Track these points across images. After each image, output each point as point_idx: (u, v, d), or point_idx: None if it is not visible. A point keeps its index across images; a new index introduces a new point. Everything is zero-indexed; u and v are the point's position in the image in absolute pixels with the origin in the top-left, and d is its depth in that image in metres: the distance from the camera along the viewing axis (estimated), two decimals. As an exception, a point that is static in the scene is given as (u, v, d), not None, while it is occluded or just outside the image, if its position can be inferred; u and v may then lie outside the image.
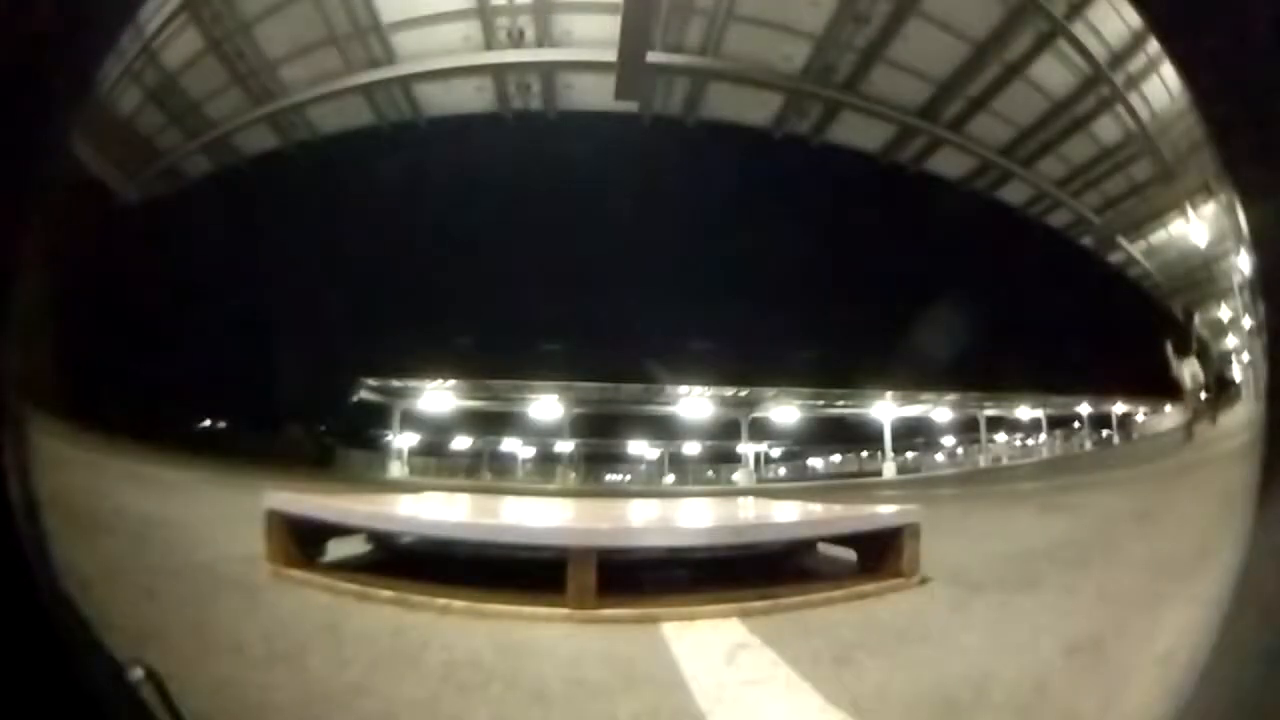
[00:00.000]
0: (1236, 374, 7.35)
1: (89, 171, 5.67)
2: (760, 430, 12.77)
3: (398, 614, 1.81)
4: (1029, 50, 6.45)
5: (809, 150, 7.57)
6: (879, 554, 2.29)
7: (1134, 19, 4.43)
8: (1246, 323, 6.11)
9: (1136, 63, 5.99)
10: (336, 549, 2.40)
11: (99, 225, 5.01)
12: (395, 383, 10.74)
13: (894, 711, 1.28)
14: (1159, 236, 7.56)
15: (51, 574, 0.74)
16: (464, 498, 4.73)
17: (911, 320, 7.93)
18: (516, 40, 6.77)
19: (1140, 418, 11.68)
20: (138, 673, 0.80)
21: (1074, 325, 8.46)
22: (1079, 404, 11.84)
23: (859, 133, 7.52)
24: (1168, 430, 10.29)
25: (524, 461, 13.02)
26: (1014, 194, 7.77)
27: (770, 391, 11.89)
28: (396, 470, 10.83)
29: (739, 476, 12.64)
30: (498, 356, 9.61)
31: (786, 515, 2.83)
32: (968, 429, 12.75)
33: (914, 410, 12.49)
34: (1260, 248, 0.83)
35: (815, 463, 14.82)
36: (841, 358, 10.16)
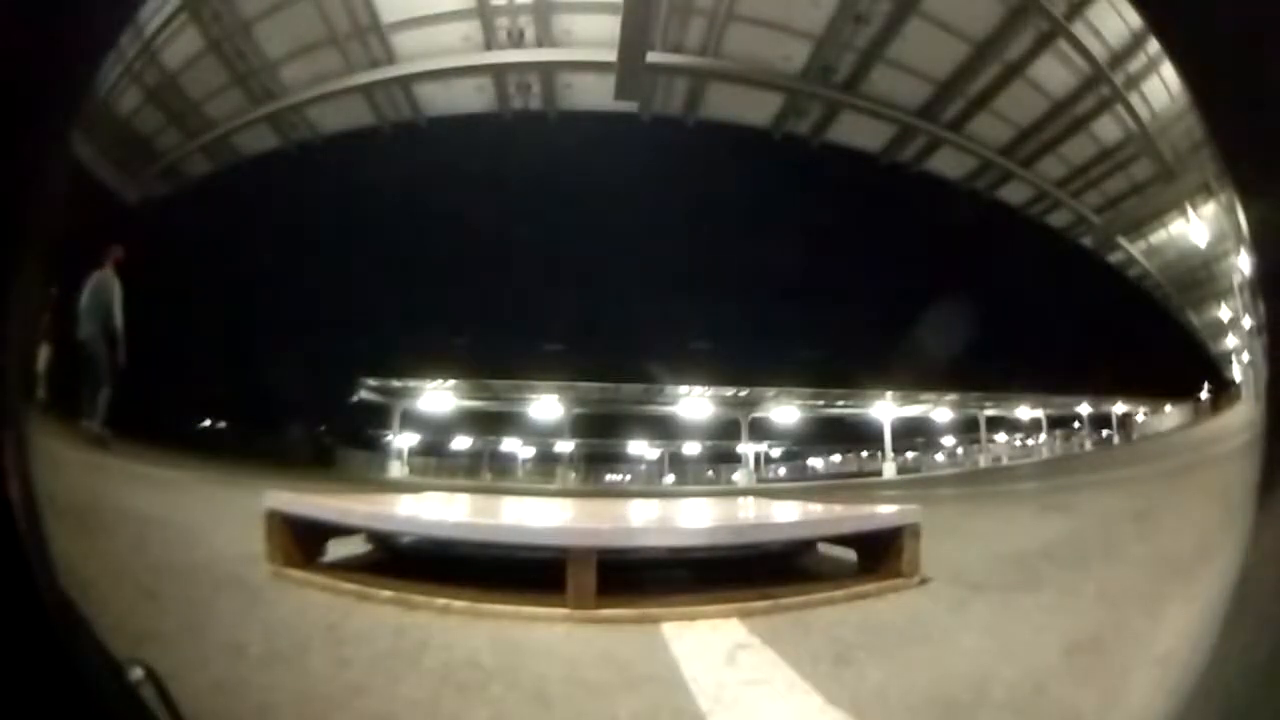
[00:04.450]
0: (1236, 374, 7.36)
1: (89, 171, 5.68)
2: (760, 430, 12.79)
3: (398, 614, 1.81)
4: (1029, 50, 6.44)
5: (809, 150, 7.57)
6: (879, 554, 2.29)
7: (1134, 19, 4.44)
8: (1246, 323, 6.11)
9: (1136, 63, 5.99)
10: (336, 549, 2.40)
11: (99, 225, 5.01)
12: (395, 383, 10.76)
13: (894, 711, 1.28)
14: (1159, 236, 7.56)
15: (51, 574, 0.74)
16: (464, 498, 4.73)
17: (912, 320, 7.94)
18: (516, 40, 6.77)
19: (1140, 418, 11.69)
20: (138, 673, 0.80)
21: (1074, 325, 8.47)
22: (1079, 404, 11.85)
23: (859, 133, 7.52)
24: (1168, 430, 10.29)
25: (524, 461, 13.04)
26: (1014, 194, 7.77)
27: (770, 391, 11.90)
28: (396, 470, 10.84)
29: (739, 476, 12.65)
30: (498, 356, 9.62)
31: (786, 515, 2.83)
32: (968, 429, 12.76)
33: (914, 410, 12.50)
34: (1260, 248, 0.83)
35: (815, 463, 14.84)
36: (842, 358, 10.17)
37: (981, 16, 6.34)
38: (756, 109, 7.50)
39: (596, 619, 1.79)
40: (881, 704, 1.30)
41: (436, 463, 12.02)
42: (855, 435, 13.26)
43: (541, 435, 12.16)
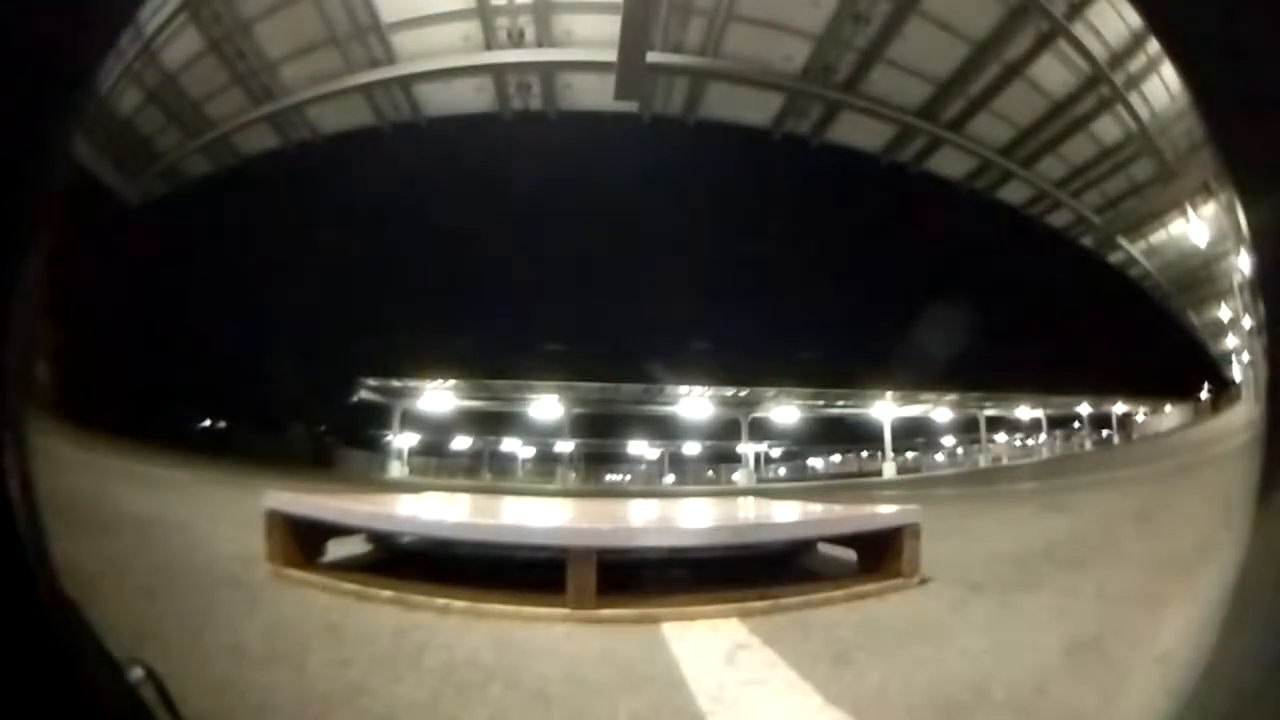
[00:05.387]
0: (1236, 374, 7.36)
1: (89, 171, 5.68)
2: (760, 430, 12.80)
3: (398, 614, 1.81)
4: (1029, 50, 6.44)
5: (809, 150, 7.57)
6: (879, 554, 2.29)
7: (1134, 19, 4.43)
8: (1246, 323, 6.11)
9: (1136, 63, 5.99)
10: (336, 549, 2.40)
11: (99, 225, 5.01)
12: (395, 383, 10.76)
13: (894, 711, 1.28)
14: (1159, 236, 7.56)
15: (51, 574, 0.74)
16: (464, 498, 4.73)
17: (912, 320, 7.94)
18: (516, 40, 6.77)
19: (1140, 418, 11.69)
20: (138, 673, 0.80)
21: (1074, 326, 8.47)
22: (1079, 404, 11.85)
23: (859, 133, 7.52)
24: (1168, 430, 10.29)
25: (524, 461, 13.05)
26: (1014, 194, 7.77)
27: (770, 391, 11.90)
28: (396, 470, 10.85)
29: (739, 476, 12.66)
30: (498, 356, 9.62)
31: (786, 515, 2.83)
32: (968, 429, 12.76)
33: (914, 410, 12.50)
34: (1260, 248, 0.83)
35: (815, 463, 14.83)
36: (841, 358, 10.18)
37: (981, 16, 6.34)
38: (756, 109, 7.50)
39: (597, 619, 1.79)
40: (881, 704, 1.30)
41: (436, 463, 12.02)
42: (855, 435, 13.26)
43: (541, 435, 12.16)
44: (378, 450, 11.03)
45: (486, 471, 12.83)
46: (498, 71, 7.09)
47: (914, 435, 13.10)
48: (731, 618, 1.83)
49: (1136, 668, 1.35)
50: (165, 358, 6.54)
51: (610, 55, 6.51)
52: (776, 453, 14.35)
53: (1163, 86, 5.71)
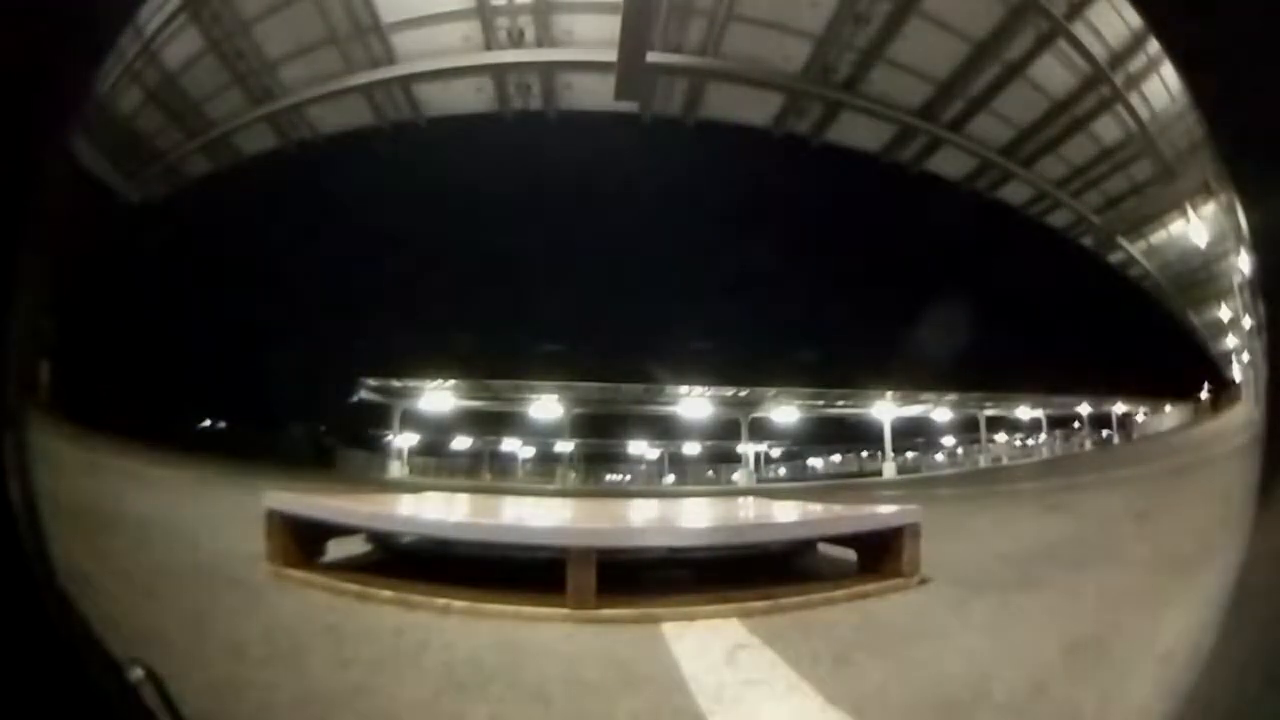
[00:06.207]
0: (1236, 374, 7.36)
1: (89, 171, 5.68)
2: (760, 430, 12.78)
3: (398, 614, 1.81)
4: (1029, 50, 6.44)
5: (809, 150, 7.56)
6: (879, 554, 2.30)
7: (1134, 19, 4.43)
8: (1246, 323, 6.11)
9: (1136, 63, 5.99)
10: (336, 549, 2.40)
11: (99, 225, 5.00)
12: (395, 383, 10.75)
13: (894, 711, 1.28)
14: (1159, 236, 7.55)
15: (51, 574, 0.74)
16: (464, 498, 4.73)
17: (912, 320, 7.94)
18: (516, 40, 6.76)
19: (1140, 418, 11.68)
20: (138, 673, 0.80)
21: (1074, 325, 8.47)
22: (1079, 404, 11.85)
23: (859, 133, 7.51)
24: (1168, 430, 10.29)
25: (524, 461, 13.03)
26: (1014, 194, 7.76)
27: (770, 391, 11.89)
28: (396, 470, 10.84)
29: (739, 476, 12.64)
30: (498, 356, 9.62)
31: (786, 515, 2.83)
32: (968, 429, 12.74)
33: (914, 410, 12.49)
34: (1260, 248, 0.83)
35: (815, 463, 14.82)
36: (841, 358, 10.17)
37: (981, 16, 6.34)
38: (756, 109, 7.49)
39: (596, 619, 1.80)
40: (881, 704, 1.30)
41: (436, 463, 12.01)
42: (855, 435, 13.24)
43: (541, 435, 12.14)
44: (378, 450, 11.02)
45: (486, 471, 12.82)
46: (498, 71, 7.08)
47: (914, 435, 13.08)
48: (731, 618, 1.83)
49: (1136, 667, 1.35)
50: (165, 357, 6.54)
51: (610, 55, 6.50)
52: (776, 453, 14.33)
53: (1163, 86, 5.71)
